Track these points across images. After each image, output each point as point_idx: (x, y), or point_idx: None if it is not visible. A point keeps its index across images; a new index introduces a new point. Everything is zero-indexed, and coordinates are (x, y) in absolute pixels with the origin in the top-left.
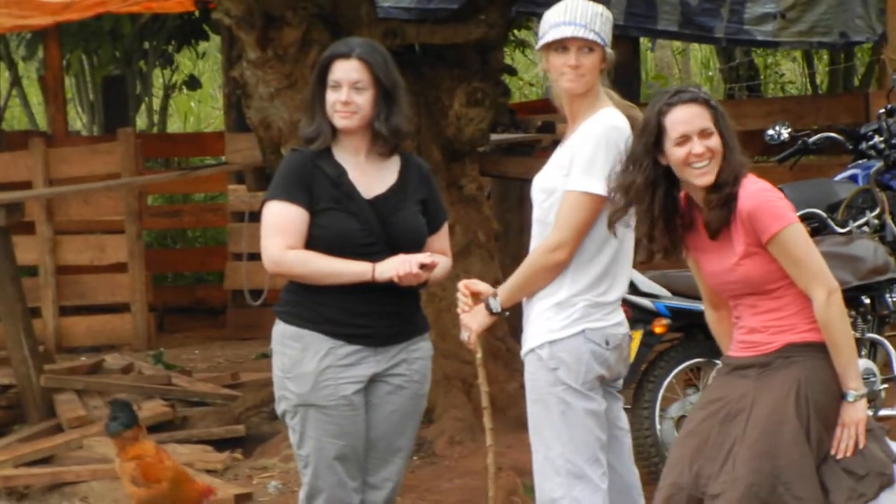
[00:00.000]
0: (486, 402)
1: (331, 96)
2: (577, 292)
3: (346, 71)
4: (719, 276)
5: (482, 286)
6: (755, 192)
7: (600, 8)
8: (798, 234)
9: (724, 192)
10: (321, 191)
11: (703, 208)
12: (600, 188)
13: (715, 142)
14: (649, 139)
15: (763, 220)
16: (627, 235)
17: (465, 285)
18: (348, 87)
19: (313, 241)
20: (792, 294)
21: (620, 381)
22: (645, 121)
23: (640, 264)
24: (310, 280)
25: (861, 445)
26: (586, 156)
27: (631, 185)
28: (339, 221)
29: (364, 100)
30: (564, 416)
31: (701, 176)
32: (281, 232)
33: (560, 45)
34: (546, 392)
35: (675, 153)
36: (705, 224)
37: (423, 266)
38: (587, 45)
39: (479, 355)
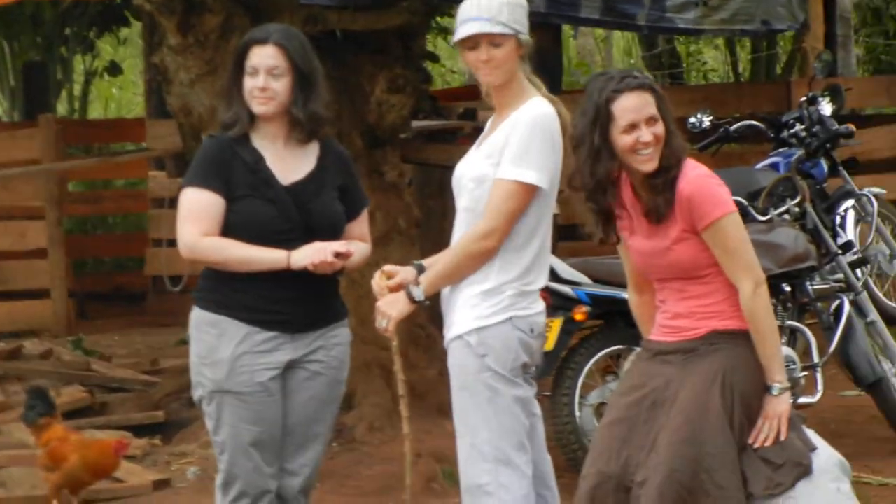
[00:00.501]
0: (403, 391)
1: (248, 82)
2: (506, 280)
3: (263, 57)
4: (649, 258)
5: (403, 273)
6: (695, 177)
7: None
8: (735, 223)
9: (668, 175)
10: (238, 177)
11: (644, 192)
12: (532, 177)
13: (660, 128)
14: (603, 127)
15: (702, 207)
16: (546, 223)
17: (385, 272)
18: (265, 73)
19: (230, 228)
20: (720, 281)
21: (534, 369)
22: (595, 107)
23: (600, 244)
24: (225, 267)
25: (783, 438)
26: (518, 145)
27: (605, 176)
28: (257, 208)
29: (281, 86)
30: (492, 403)
31: (646, 162)
32: (196, 218)
33: (471, 42)
34: (474, 378)
35: (622, 140)
36: (649, 209)
37: (338, 254)
38: (496, 39)
39: (395, 343)
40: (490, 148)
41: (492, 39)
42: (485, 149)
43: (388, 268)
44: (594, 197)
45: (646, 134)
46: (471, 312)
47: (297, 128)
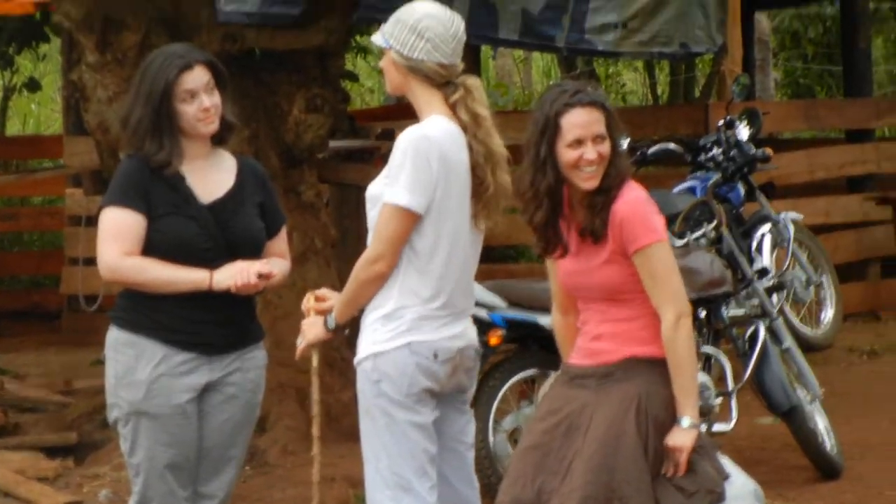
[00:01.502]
0: (316, 411)
1: (188, 108)
2: (406, 304)
3: (196, 78)
4: (576, 278)
5: (333, 298)
6: (632, 200)
7: (401, 12)
8: (665, 251)
9: (609, 196)
10: (159, 196)
11: (582, 210)
12: (404, 199)
13: (606, 147)
14: (551, 139)
15: (634, 231)
16: (461, 244)
17: (316, 294)
18: (204, 93)
19: (152, 247)
20: (643, 307)
21: (468, 394)
22: (544, 118)
23: (539, 257)
24: (146, 288)
25: (681, 473)
26: (394, 167)
27: (545, 188)
28: (178, 226)
29: (218, 99)
30: (389, 429)
31: (588, 180)
32: (117, 238)
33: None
34: (371, 404)
35: (566, 154)
36: (585, 227)
37: (260, 275)
38: (380, 49)
39: (314, 364)
40: (388, 168)
41: (380, 49)
42: (385, 169)
43: (320, 291)
44: (529, 207)
45: (590, 151)
46: (370, 337)
47: (227, 133)
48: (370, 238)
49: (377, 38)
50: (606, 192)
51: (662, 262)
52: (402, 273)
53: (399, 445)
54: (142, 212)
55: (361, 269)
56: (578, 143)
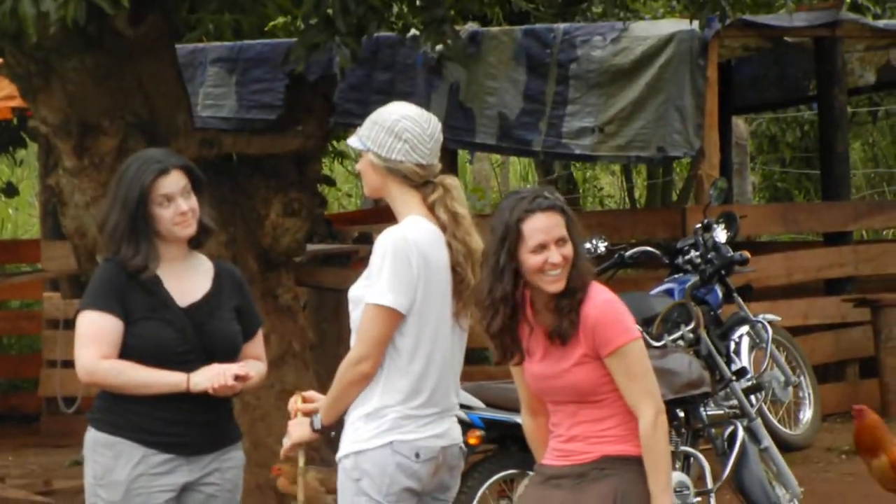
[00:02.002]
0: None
1: (164, 212)
2: (388, 404)
3: (173, 182)
4: (546, 381)
5: (321, 402)
6: (602, 302)
7: (377, 114)
8: (639, 349)
9: (575, 298)
10: (136, 300)
11: (548, 314)
12: (387, 300)
13: (568, 249)
14: (512, 246)
15: (607, 332)
16: (443, 342)
17: (303, 395)
18: (181, 197)
19: (129, 351)
20: (615, 406)
21: (451, 493)
22: (504, 226)
23: (496, 364)
24: (124, 390)
25: None
26: (375, 268)
27: (502, 296)
28: (155, 330)
29: (195, 203)
30: None
31: (554, 283)
32: (95, 342)
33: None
34: (350, 502)
35: (530, 260)
36: (554, 330)
37: (237, 377)
38: (357, 152)
39: (301, 464)
40: (368, 270)
41: (356, 151)
42: (366, 271)
43: (307, 393)
44: (486, 315)
45: (555, 255)
46: (352, 436)
47: (204, 237)
48: (353, 339)
49: (354, 142)
50: (572, 294)
51: (638, 360)
52: (385, 372)
53: None
54: (119, 316)
55: (346, 370)
56: (542, 247)
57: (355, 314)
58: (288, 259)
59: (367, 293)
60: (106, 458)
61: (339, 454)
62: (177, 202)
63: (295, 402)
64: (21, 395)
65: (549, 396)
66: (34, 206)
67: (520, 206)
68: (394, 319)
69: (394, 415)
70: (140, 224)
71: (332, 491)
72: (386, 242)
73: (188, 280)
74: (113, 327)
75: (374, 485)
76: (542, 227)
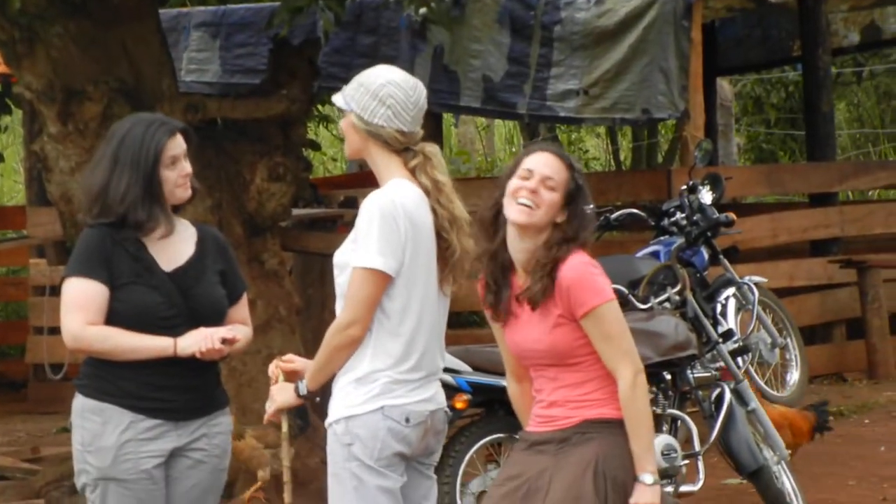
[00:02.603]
0: (287, 477)
1: (170, 174)
2: (379, 368)
3: (179, 145)
4: (525, 345)
5: (299, 362)
6: (576, 265)
7: (364, 76)
8: (613, 310)
9: (555, 259)
10: (121, 265)
11: (527, 277)
12: (376, 262)
13: (550, 198)
14: (508, 174)
15: (580, 294)
16: (430, 306)
17: (282, 360)
18: (184, 159)
19: (115, 316)
20: (594, 370)
21: (434, 457)
22: (515, 161)
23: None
24: (111, 356)
25: None
26: (362, 231)
27: (492, 252)
28: (140, 295)
29: (189, 167)
30: (357, 492)
31: (518, 213)
32: (80, 308)
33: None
34: (341, 467)
35: (511, 182)
36: (528, 294)
37: (224, 340)
38: (340, 110)
39: (284, 429)
40: (354, 234)
41: (339, 109)
42: (351, 234)
43: (287, 356)
44: (494, 255)
45: (533, 183)
46: (343, 401)
47: (188, 202)
48: (339, 305)
49: (338, 100)
50: (554, 257)
51: (612, 321)
52: (374, 336)
53: None
54: (104, 282)
55: (334, 335)
56: (528, 174)
57: (341, 279)
58: (273, 224)
59: (355, 257)
60: (94, 423)
61: (330, 419)
62: (181, 164)
63: (275, 367)
64: (7, 362)
65: (530, 361)
66: (19, 173)
67: (537, 145)
68: (382, 282)
69: (384, 379)
70: (154, 187)
71: (270, 446)
72: (372, 206)
73: (172, 245)
74: (98, 293)
75: (366, 449)
76: (537, 159)
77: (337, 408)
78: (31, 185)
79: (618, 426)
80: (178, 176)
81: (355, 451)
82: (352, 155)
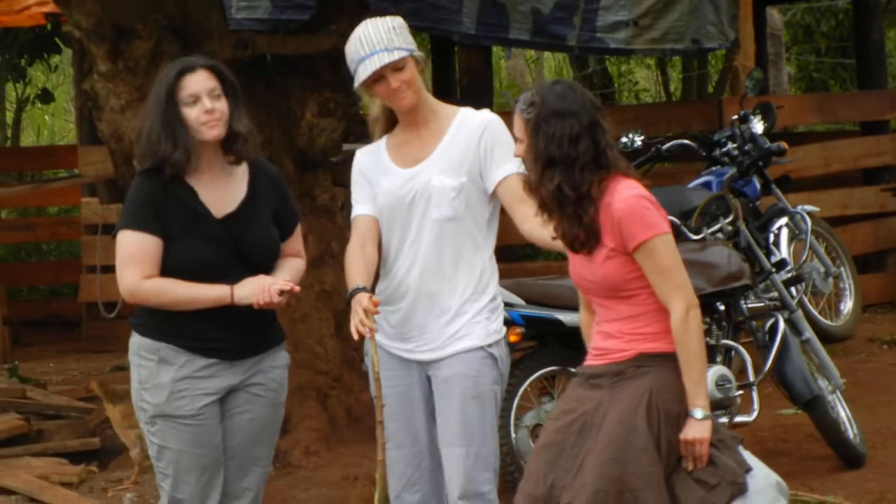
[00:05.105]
0: (380, 416)
1: (191, 112)
2: (497, 293)
3: (199, 82)
4: (582, 276)
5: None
6: (629, 197)
7: (389, 21)
8: (666, 244)
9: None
10: (173, 217)
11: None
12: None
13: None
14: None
15: (632, 227)
16: None
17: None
18: (207, 96)
19: (169, 268)
20: (650, 303)
21: None
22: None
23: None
24: (169, 307)
25: (702, 464)
26: (504, 145)
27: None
28: (194, 247)
29: (223, 105)
30: (495, 413)
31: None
32: (135, 262)
33: (374, 76)
34: (488, 389)
35: None
36: (566, 235)
37: (282, 292)
38: (398, 64)
39: (377, 369)
40: (449, 158)
41: (395, 66)
42: (439, 162)
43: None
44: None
45: None
46: (488, 325)
47: (238, 144)
48: (433, 230)
49: (397, 55)
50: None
51: (665, 254)
52: (492, 258)
53: (495, 430)
54: (157, 233)
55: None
56: None
57: (457, 202)
58: (324, 159)
59: (510, 166)
60: (149, 362)
61: (478, 342)
62: (202, 101)
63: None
64: (61, 301)
65: (586, 291)
66: (70, 112)
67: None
68: None
69: (501, 304)
70: (174, 121)
71: (136, 426)
72: (500, 121)
73: (224, 189)
74: (152, 246)
75: (507, 371)
76: None
77: (484, 332)
78: (81, 125)
79: (672, 360)
80: (199, 113)
81: (504, 372)
82: (418, 101)
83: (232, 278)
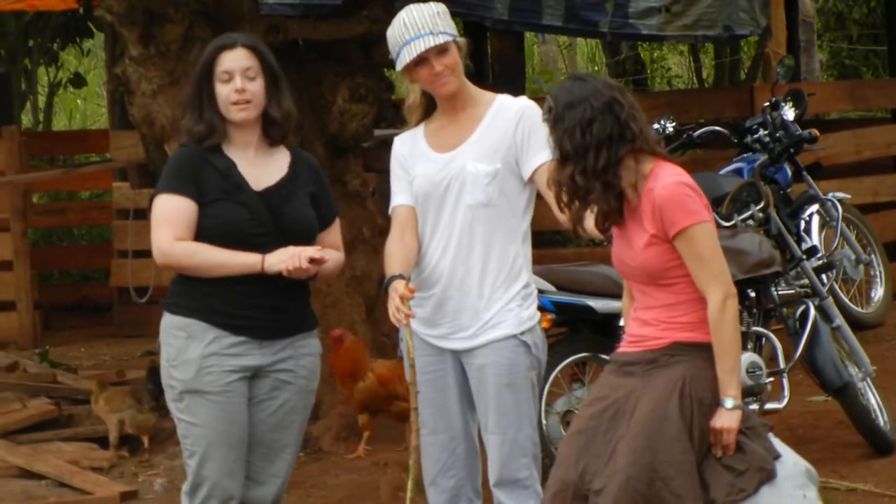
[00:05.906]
0: (415, 403)
1: (223, 89)
2: (530, 279)
3: (235, 60)
4: (623, 261)
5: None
6: (670, 184)
7: (433, 6)
8: (707, 232)
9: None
10: (210, 182)
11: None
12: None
13: None
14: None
15: (673, 214)
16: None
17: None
18: (240, 76)
19: (203, 232)
20: (687, 292)
21: None
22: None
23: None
24: (198, 272)
25: (730, 452)
26: (536, 132)
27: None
28: (229, 211)
29: (257, 87)
30: (533, 399)
31: None
32: (169, 224)
33: (417, 60)
34: (524, 376)
35: None
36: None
37: (312, 260)
38: (442, 48)
39: (412, 355)
40: (485, 144)
41: (439, 49)
42: (475, 148)
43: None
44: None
45: None
46: (521, 312)
47: (273, 129)
48: (467, 216)
49: (442, 39)
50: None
51: (704, 242)
52: (525, 243)
53: (535, 415)
54: (192, 197)
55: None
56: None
57: (492, 187)
58: (355, 144)
59: (546, 154)
60: (179, 339)
61: (511, 330)
62: (235, 80)
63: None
64: (92, 286)
65: (628, 278)
66: (102, 96)
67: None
68: None
69: (535, 290)
70: (204, 96)
71: (116, 410)
72: (536, 108)
73: (263, 166)
74: (187, 208)
75: (543, 359)
76: None
77: (519, 321)
78: (113, 109)
79: (707, 349)
80: (230, 91)
81: (541, 358)
82: (459, 87)
83: (266, 251)
